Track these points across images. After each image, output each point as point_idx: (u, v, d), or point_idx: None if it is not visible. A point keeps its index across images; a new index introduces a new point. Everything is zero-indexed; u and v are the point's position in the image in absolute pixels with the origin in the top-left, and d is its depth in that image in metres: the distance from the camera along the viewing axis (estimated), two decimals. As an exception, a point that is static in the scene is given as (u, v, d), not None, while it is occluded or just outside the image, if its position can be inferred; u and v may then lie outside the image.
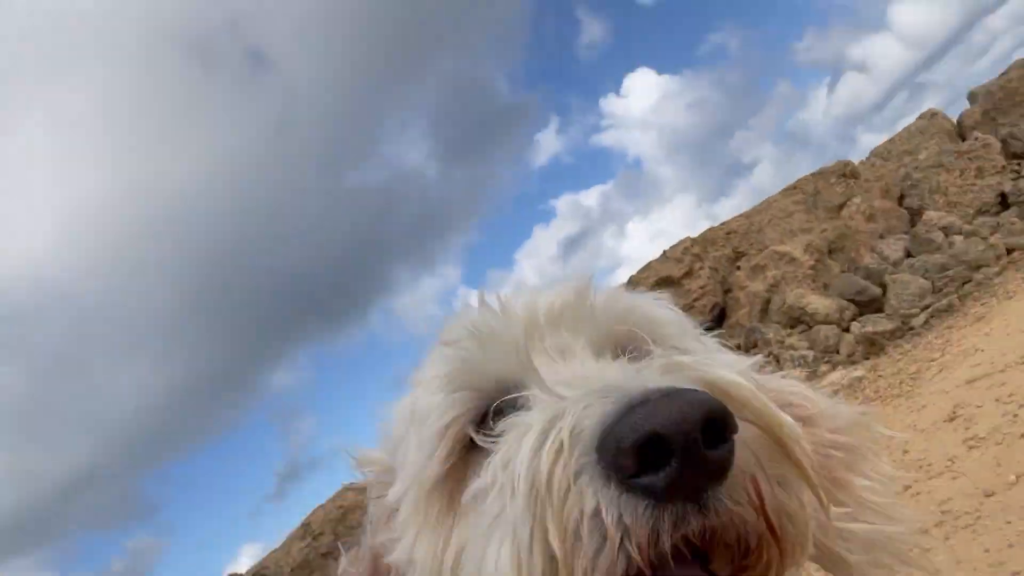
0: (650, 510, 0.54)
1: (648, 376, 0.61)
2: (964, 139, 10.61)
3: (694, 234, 9.76)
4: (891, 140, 11.55)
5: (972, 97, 11.77)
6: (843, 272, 8.43)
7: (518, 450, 0.60)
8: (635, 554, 0.53)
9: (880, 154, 11.28)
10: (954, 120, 11.19)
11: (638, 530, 0.53)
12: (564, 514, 0.55)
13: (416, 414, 0.79)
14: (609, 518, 0.54)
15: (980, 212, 8.64)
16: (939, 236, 7.93)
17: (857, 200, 9.18)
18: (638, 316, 0.80)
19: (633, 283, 9.61)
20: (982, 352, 6.00)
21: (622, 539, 0.54)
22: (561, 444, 0.56)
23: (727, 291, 8.99)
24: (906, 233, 8.65)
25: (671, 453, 0.53)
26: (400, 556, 0.78)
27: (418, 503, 0.75)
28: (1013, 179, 8.64)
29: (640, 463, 0.53)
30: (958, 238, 7.99)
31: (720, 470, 0.54)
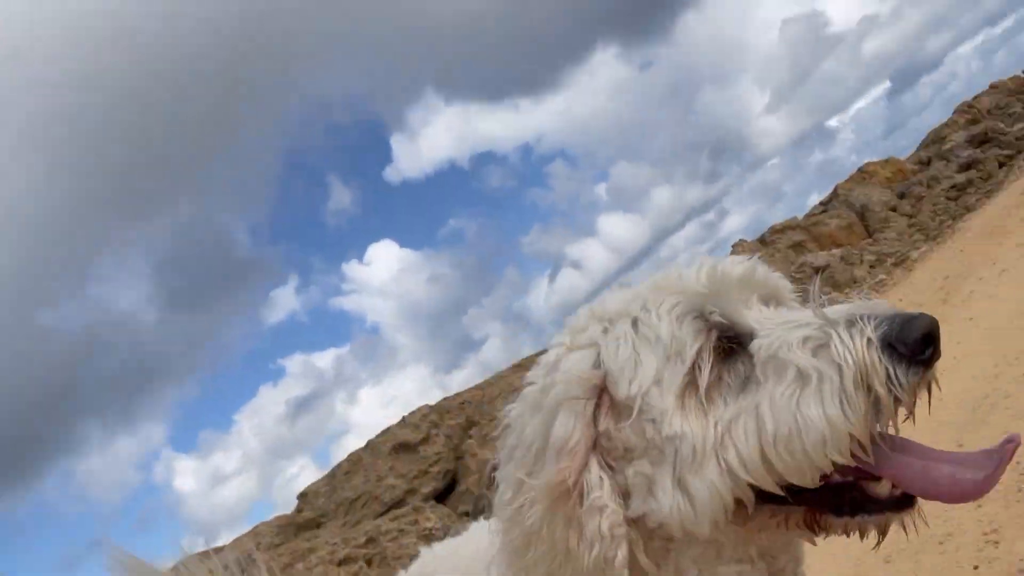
0: (918, 376, 0.92)
1: (876, 304, 0.99)
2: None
3: (431, 402, 10.32)
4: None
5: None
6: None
7: (832, 339, 0.94)
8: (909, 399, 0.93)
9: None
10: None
11: (913, 385, 0.92)
12: (872, 377, 0.91)
13: (653, 340, 1.04)
14: (904, 379, 0.91)
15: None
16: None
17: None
18: (778, 281, 1.14)
19: (371, 447, 9.73)
20: None
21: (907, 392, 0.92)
22: (869, 338, 0.92)
23: (459, 458, 9.51)
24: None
25: (931, 344, 0.92)
26: (653, 434, 1.01)
27: (676, 394, 1.00)
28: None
29: (916, 351, 0.91)
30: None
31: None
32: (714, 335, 1.01)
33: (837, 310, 0.97)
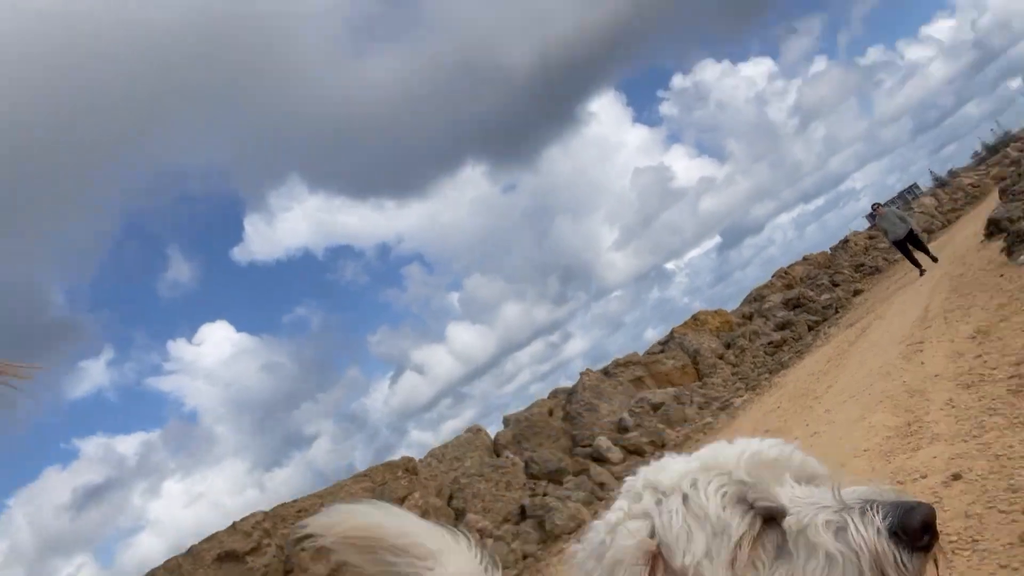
0: (920, 560, 1.05)
1: (883, 491, 1.12)
2: (499, 455, 12.99)
3: (266, 508, 9.74)
4: (444, 446, 13.55)
5: (506, 421, 14.62)
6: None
7: (849, 526, 1.07)
8: None
9: (435, 456, 13.10)
10: (492, 438, 13.70)
11: (917, 568, 1.05)
12: (883, 563, 1.04)
13: (702, 518, 1.14)
14: (909, 564, 1.04)
15: (505, 520, 10.50)
16: (476, 536, 9.36)
17: (416, 495, 10.45)
18: (805, 462, 1.22)
19: (193, 554, 8.96)
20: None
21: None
22: (877, 527, 1.05)
23: (288, 571, 8.97)
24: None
25: (930, 532, 1.05)
26: None
27: (724, 566, 1.11)
28: (531, 495, 10.84)
29: (917, 538, 1.04)
30: (489, 540, 9.58)
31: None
32: (756, 520, 1.17)
33: (852, 494, 1.15)
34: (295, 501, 9.97)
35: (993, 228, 10.87)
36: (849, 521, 1.11)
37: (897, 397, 5.46)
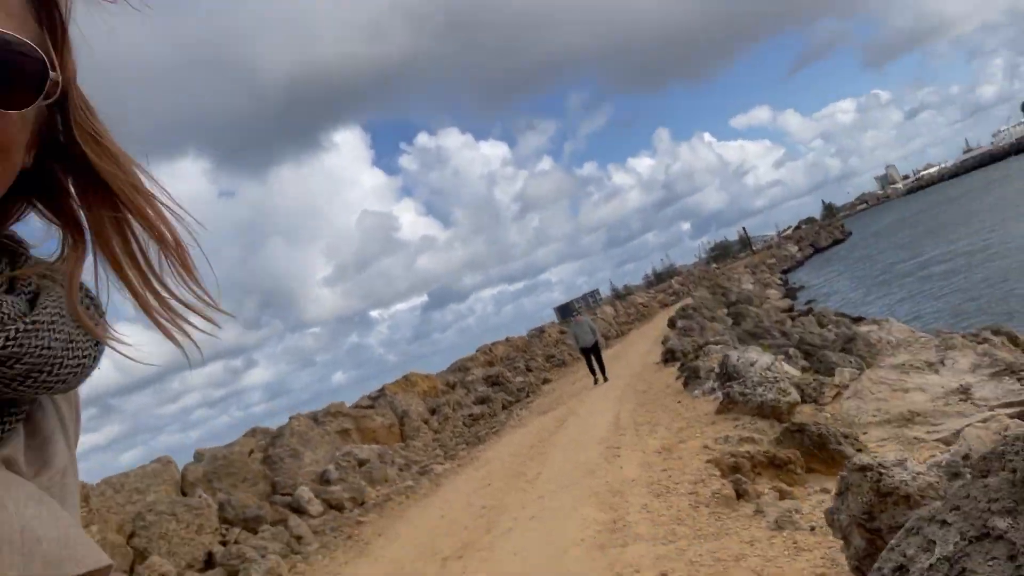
0: None
1: None
2: (186, 493, 12.14)
3: None
4: (125, 475, 12.22)
5: (199, 456, 13.73)
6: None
7: None
8: None
9: (112, 485, 11.75)
10: (181, 473, 12.73)
11: None
12: None
13: None
14: None
15: (190, 566, 9.83)
16: (155, 583, 8.72)
17: (94, 529, 9.31)
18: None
19: None
20: None
21: None
22: None
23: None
24: (126, 572, 9.09)
25: None
26: None
27: None
28: (221, 542, 10.30)
29: None
30: (171, 587, 8.91)
31: None
32: None
33: None
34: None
35: (669, 356, 13.37)
36: None
37: (602, 495, 6.59)
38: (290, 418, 14.91)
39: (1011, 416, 6.83)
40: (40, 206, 0.83)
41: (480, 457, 13.04)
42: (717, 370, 8.90)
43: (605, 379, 16.16)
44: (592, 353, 16.72)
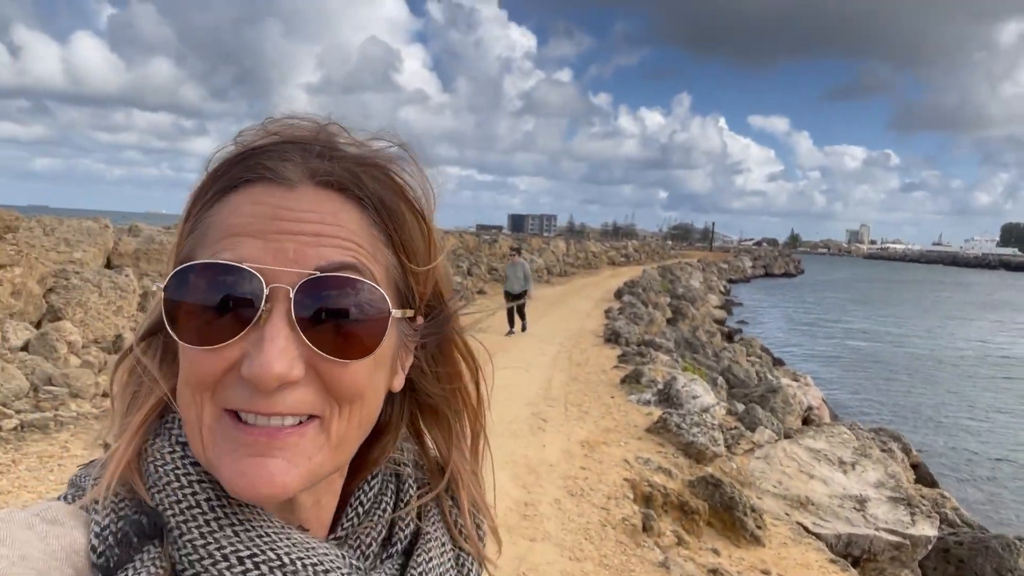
0: None
1: None
2: (115, 267, 11.84)
3: None
4: (60, 220, 11.76)
5: (135, 230, 13.34)
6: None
7: None
8: None
9: (45, 226, 11.29)
10: (114, 242, 12.36)
11: None
12: None
13: None
14: None
15: (96, 342, 9.67)
16: (65, 348, 8.54)
17: (17, 272, 8.95)
18: None
19: None
20: None
21: None
22: None
23: None
24: (34, 323, 8.87)
25: None
26: None
27: None
28: (133, 328, 10.14)
29: None
30: (74, 358, 8.77)
31: None
32: None
33: None
34: None
35: (612, 337, 13.67)
36: None
37: (520, 468, 6.84)
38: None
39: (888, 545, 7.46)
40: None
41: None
42: (660, 387, 9.20)
43: (524, 329, 15.01)
44: (516, 300, 15.13)
